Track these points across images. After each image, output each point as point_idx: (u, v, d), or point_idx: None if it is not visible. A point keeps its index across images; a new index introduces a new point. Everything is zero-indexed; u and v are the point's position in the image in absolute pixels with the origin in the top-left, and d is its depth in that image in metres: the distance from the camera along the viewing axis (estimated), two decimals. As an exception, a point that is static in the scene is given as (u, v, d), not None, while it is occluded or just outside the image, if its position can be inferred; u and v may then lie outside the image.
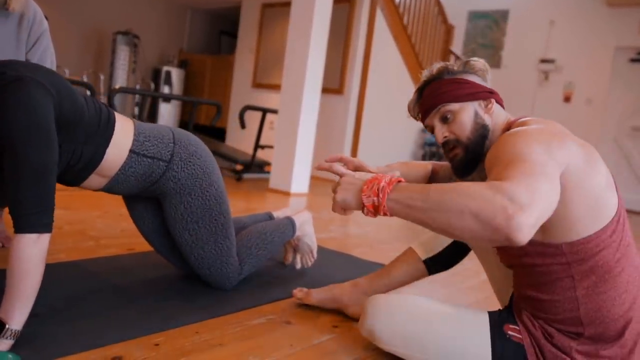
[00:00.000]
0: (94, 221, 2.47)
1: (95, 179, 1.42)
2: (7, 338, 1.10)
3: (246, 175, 4.97)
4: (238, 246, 1.71)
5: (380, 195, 0.98)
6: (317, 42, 4.24)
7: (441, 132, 1.22)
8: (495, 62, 6.98)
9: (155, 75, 8.16)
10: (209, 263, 1.62)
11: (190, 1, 8.37)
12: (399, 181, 1.00)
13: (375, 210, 1.00)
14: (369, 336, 1.29)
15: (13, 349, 1.11)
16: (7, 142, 1.12)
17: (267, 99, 6.57)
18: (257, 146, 5.02)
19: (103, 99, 7.32)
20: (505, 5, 6.96)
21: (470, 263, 2.51)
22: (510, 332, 1.14)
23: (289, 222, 1.91)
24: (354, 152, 5.65)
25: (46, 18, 1.80)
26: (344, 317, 1.60)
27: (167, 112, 7.92)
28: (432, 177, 1.47)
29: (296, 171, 4.33)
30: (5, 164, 1.13)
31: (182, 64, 8.46)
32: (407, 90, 5.94)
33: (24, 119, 1.11)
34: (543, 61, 6.60)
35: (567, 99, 6.47)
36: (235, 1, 7.40)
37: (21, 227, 1.11)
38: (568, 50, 6.46)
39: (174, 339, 1.30)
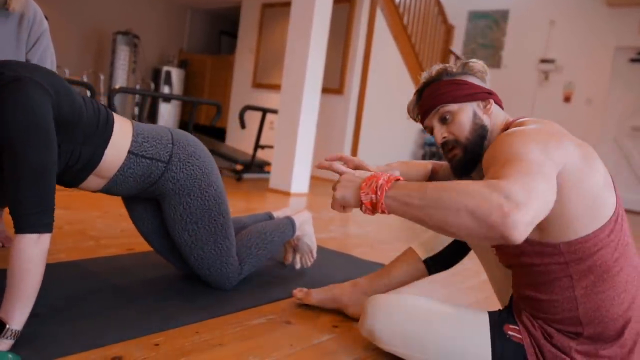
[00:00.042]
0: (94, 221, 2.47)
1: (93, 180, 1.42)
2: (7, 338, 1.11)
3: (246, 175, 4.97)
4: (238, 246, 1.72)
5: (379, 193, 0.98)
6: (317, 42, 4.24)
7: (440, 133, 1.23)
8: (495, 62, 6.98)
9: (155, 75, 8.17)
10: (209, 263, 1.62)
11: (190, 1, 8.38)
12: (398, 179, 1.01)
13: (373, 208, 1.00)
14: (369, 336, 1.29)
15: (13, 349, 1.11)
16: (6, 143, 1.12)
17: (267, 99, 6.57)
18: (257, 146, 5.03)
19: (103, 99, 7.33)
20: (505, 5, 6.96)
21: (470, 263, 2.51)
22: (510, 332, 1.14)
23: (289, 222, 1.92)
24: (354, 152, 5.65)
25: (46, 18, 1.81)
26: (344, 317, 1.60)
27: (167, 112, 7.92)
28: (432, 177, 1.47)
29: (296, 171, 4.33)
30: (5, 164, 1.13)
31: (182, 64, 8.46)
32: (407, 90, 5.94)
33: (23, 119, 1.11)
34: (543, 61, 6.60)
35: (567, 99, 6.47)
36: (235, 1, 7.40)
37: (22, 227, 1.11)
38: (568, 50, 6.46)
39: (173, 339, 1.31)
